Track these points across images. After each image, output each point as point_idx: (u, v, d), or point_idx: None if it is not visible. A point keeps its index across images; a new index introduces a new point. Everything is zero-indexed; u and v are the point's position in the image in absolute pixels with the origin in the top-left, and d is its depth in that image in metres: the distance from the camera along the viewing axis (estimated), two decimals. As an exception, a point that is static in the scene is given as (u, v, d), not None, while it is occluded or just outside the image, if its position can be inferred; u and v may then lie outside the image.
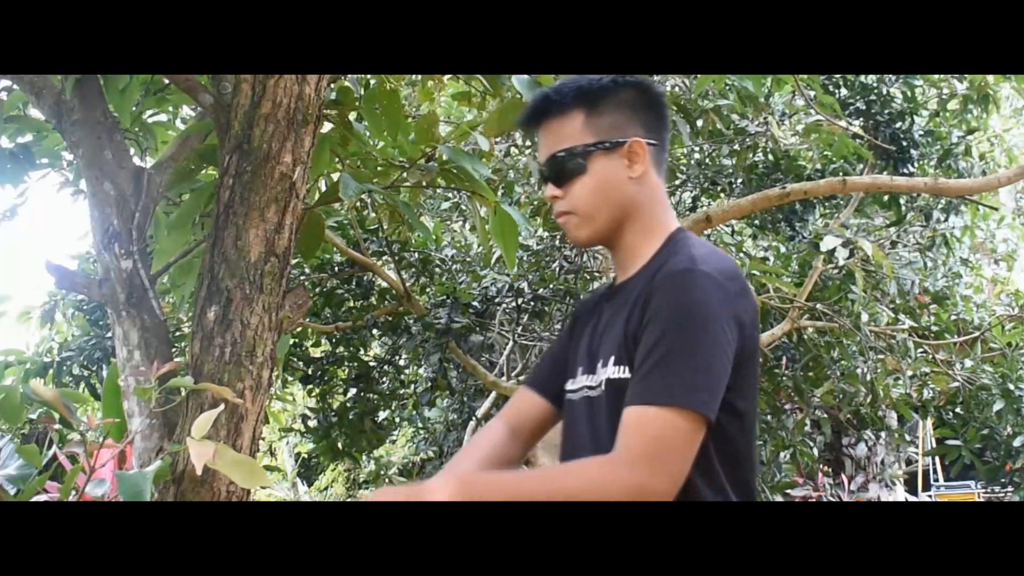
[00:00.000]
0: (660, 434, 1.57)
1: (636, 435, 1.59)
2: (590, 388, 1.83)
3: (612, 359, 1.76)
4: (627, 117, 1.84)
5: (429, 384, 7.10)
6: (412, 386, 7.58)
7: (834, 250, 5.50)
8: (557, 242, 6.36)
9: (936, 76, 6.56)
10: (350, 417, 6.73)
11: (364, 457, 8.25)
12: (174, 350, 2.93)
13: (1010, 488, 6.42)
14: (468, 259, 6.55)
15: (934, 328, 6.80)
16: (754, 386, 1.76)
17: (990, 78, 6.04)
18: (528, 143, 6.42)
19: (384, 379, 7.16)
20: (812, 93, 5.75)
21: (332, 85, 3.21)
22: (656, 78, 5.62)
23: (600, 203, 1.82)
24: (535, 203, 6.36)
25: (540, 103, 1.89)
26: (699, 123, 5.77)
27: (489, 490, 1.70)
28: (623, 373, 1.72)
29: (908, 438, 9.77)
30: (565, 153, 1.82)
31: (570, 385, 1.90)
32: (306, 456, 11.63)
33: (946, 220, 6.85)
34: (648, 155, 1.82)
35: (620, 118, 1.84)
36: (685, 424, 1.57)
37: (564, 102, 1.85)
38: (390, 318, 6.23)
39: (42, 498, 2.30)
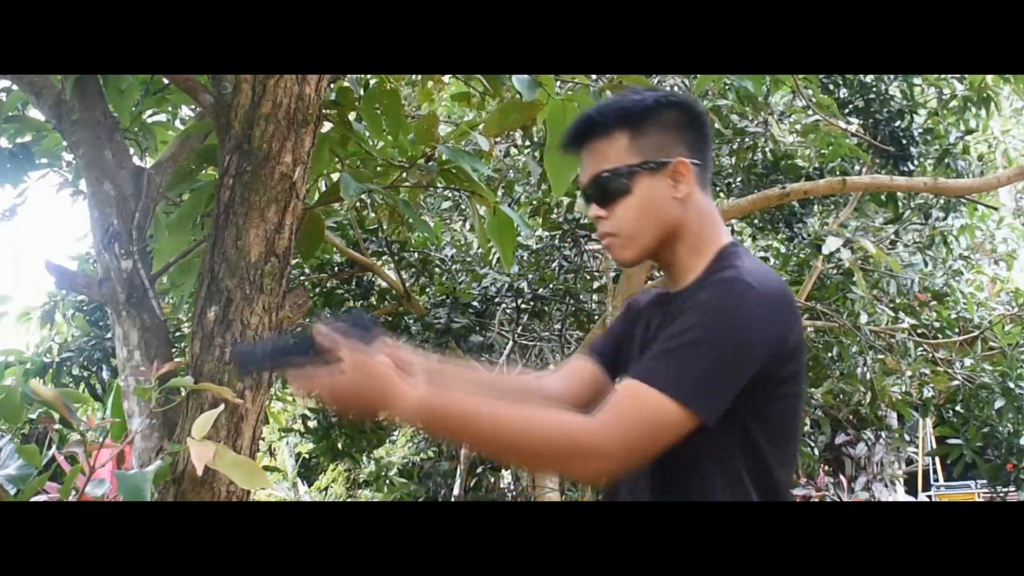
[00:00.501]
0: (648, 417, 1.57)
1: (626, 408, 1.58)
2: None
3: None
4: (671, 137, 1.81)
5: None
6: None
7: (836, 251, 5.50)
8: (556, 242, 6.37)
9: (935, 76, 6.56)
10: (350, 417, 6.73)
11: (364, 457, 8.26)
12: (174, 350, 2.93)
13: (1012, 487, 6.42)
14: (468, 259, 6.56)
15: (934, 326, 6.80)
16: (793, 396, 1.74)
17: (989, 79, 6.05)
18: (528, 143, 6.43)
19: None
20: (810, 92, 5.76)
21: (332, 85, 3.21)
22: (655, 78, 5.62)
23: (645, 224, 1.80)
24: (535, 203, 6.36)
25: (583, 125, 1.86)
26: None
27: (449, 420, 1.63)
28: None
29: (908, 438, 9.77)
30: (609, 174, 1.80)
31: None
32: (306, 456, 11.63)
33: (945, 219, 6.86)
34: (692, 174, 1.80)
35: (664, 138, 1.81)
36: (676, 417, 1.56)
37: (608, 123, 1.82)
38: (390, 318, 6.24)
39: (41, 499, 2.29)
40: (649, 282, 5.70)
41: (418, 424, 1.66)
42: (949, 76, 6.52)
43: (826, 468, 8.98)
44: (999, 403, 6.12)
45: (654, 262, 1.90)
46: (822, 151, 6.31)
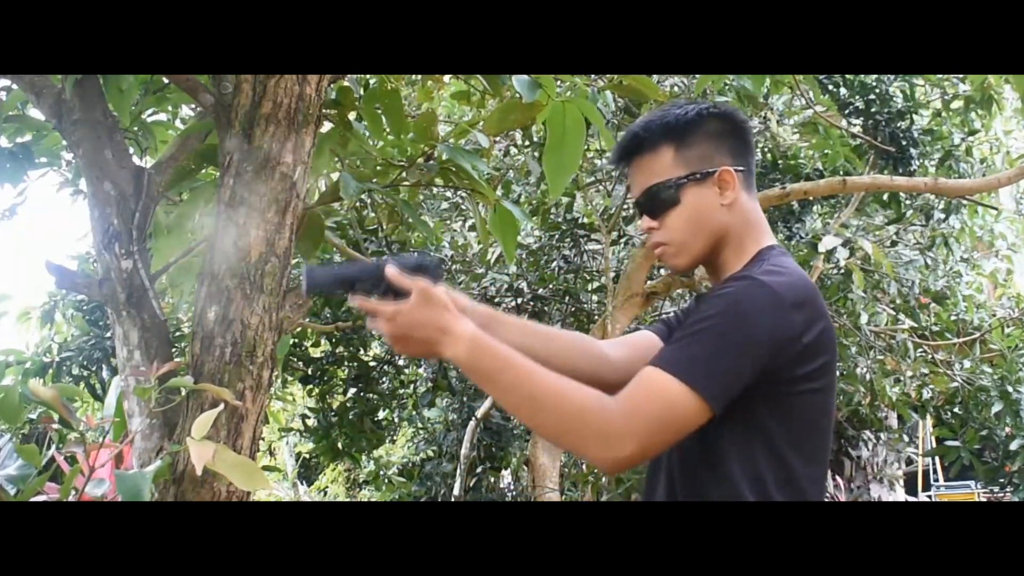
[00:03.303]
0: (661, 400, 1.63)
1: (646, 395, 1.64)
2: None
3: None
4: (714, 147, 1.89)
5: (429, 384, 7.11)
6: (412, 386, 7.59)
7: (833, 250, 5.50)
8: (556, 242, 6.37)
9: (938, 76, 6.56)
10: (350, 417, 6.74)
11: (364, 457, 8.27)
12: (174, 350, 2.93)
13: (1009, 489, 6.43)
14: (467, 259, 6.56)
15: (934, 328, 6.80)
16: (812, 393, 1.75)
17: (991, 79, 6.04)
18: (527, 143, 6.43)
19: (384, 379, 7.17)
20: (811, 94, 5.76)
21: (332, 85, 3.21)
22: (655, 78, 5.62)
23: (695, 232, 1.88)
24: (534, 202, 6.36)
25: (630, 142, 1.94)
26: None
27: (493, 362, 1.72)
28: None
29: (907, 438, 9.77)
30: (658, 187, 1.88)
31: None
32: (306, 456, 11.65)
33: (946, 219, 6.86)
34: (737, 181, 1.88)
35: (708, 149, 1.89)
36: (693, 408, 1.62)
37: (653, 139, 1.90)
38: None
39: (41, 499, 2.29)
40: (649, 282, 5.70)
41: (462, 363, 1.73)
42: (951, 76, 6.51)
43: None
44: (997, 406, 6.13)
45: (703, 266, 1.96)
46: (824, 152, 6.31)
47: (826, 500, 1.83)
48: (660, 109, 1.96)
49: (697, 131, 1.89)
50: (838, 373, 6.17)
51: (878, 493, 9.31)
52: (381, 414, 7.48)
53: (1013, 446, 6.06)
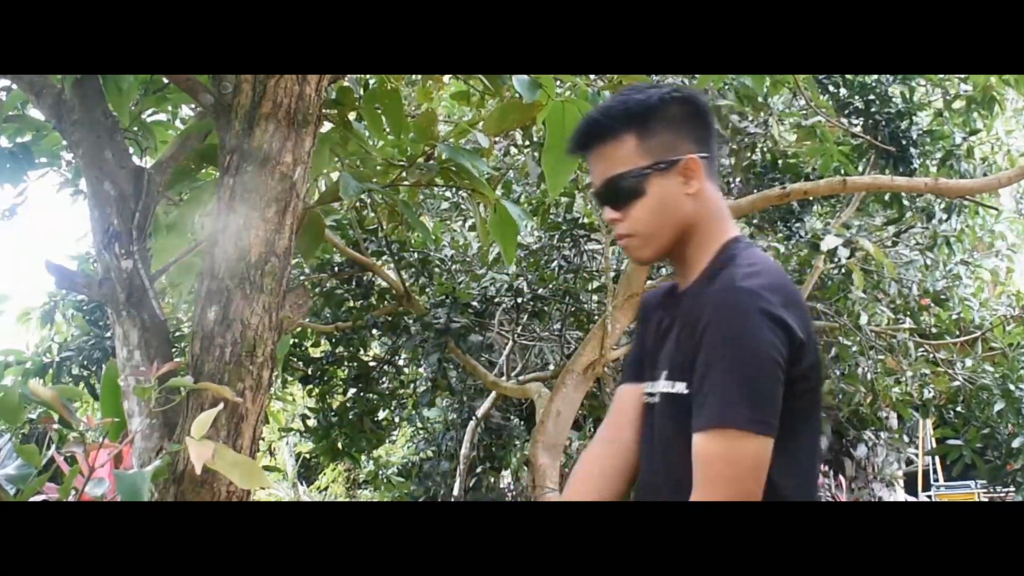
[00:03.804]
0: (727, 459, 1.61)
1: (707, 466, 1.62)
2: (650, 395, 1.89)
3: (665, 374, 1.82)
4: (677, 134, 1.83)
5: (429, 384, 7.12)
6: (412, 386, 7.60)
7: (835, 250, 5.50)
8: (556, 242, 6.37)
9: (939, 76, 6.55)
10: (350, 417, 6.75)
11: (364, 457, 8.27)
12: (174, 350, 2.93)
13: (1011, 488, 6.43)
14: (467, 259, 6.56)
15: (934, 329, 6.80)
16: (812, 391, 1.76)
17: (993, 80, 6.03)
18: (527, 143, 6.43)
19: (384, 379, 7.17)
20: (810, 94, 5.75)
21: (332, 85, 3.21)
22: (654, 78, 5.62)
23: (661, 223, 1.83)
24: (534, 202, 6.36)
25: (589, 127, 1.88)
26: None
27: None
28: (674, 388, 1.77)
29: (907, 438, 9.78)
30: (622, 177, 1.82)
31: (649, 389, 1.92)
32: (306, 456, 11.66)
33: (948, 220, 6.85)
34: (702, 169, 1.83)
35: (671, 136, 1.83)
36: (749, 444, 1.60)
37: (614, 126, 1.84)
38: (390, 318, 6.24)
39: (40, 499, 2.30)
40: (649, 281, 5.70)
41: None
42: (952, 76, 6.51)
43: (825, 469, 9.00)
44: (999, 405, 6.12)
45: (666, 259, 1.92)
46: (821, 154, 6.30)
47: (827, 500, 1.83)
48: (620, 94, 1.90)
49: (660, 117, 1.83)
50: (839, 373, 6.19)
51: (879, 493, 9.32)
52: (381, 414, 7.48)
53: (1016, 443, 6.05)
